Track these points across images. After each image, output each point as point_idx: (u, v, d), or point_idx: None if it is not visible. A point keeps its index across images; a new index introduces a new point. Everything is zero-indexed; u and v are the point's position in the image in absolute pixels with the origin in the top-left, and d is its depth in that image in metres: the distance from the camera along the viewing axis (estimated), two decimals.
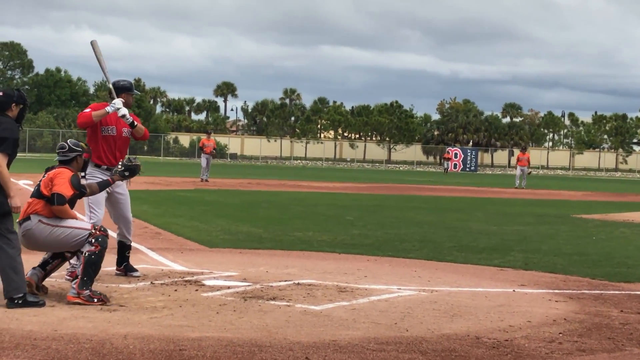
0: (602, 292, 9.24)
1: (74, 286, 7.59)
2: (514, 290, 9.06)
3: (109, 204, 9.38)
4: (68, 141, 8.12)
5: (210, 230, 14.62)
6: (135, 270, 9.44)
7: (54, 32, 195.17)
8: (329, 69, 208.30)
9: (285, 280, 9.14)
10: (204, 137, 34.76)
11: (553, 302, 8.38)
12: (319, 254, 11.85)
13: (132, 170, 8.87)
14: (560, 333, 6.91)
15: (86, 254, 7.65)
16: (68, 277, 8.83)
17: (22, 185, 25.97)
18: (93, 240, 7.69)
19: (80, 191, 8.04)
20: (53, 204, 7.67)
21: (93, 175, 9.11)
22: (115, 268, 9.44)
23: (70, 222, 7.78)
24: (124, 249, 9.49)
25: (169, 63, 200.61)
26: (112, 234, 9.15)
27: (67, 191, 7.75)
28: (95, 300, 7.50)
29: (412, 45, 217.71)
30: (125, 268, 9.41)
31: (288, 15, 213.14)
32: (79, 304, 7.44)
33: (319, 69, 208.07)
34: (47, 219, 7.73)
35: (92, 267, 7.65)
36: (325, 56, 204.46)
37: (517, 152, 55.29)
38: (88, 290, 7.53)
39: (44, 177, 7.91)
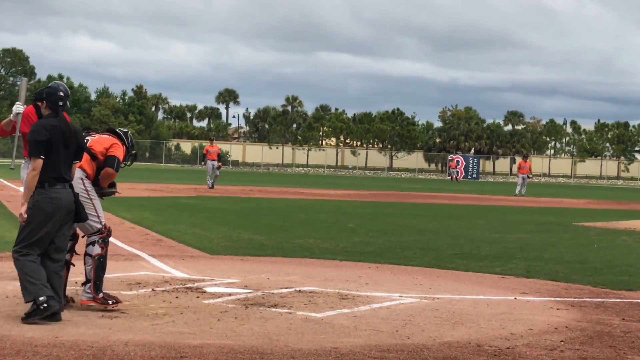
0: (603, 300, 9.23)
1: (88, 290, 7.57)
2: (515, 298, 9.05)
3: None
4: None
5: (211, 237, 14.61)
6: None
7: (51, 38, 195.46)
8: (327, 76, 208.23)
9: (287, 288, 9.14)
10: (206, 144, 34.66)
11: (555, 310, 8.37)
12: (321, 261, 11.84)
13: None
14: (561, 341, 6.90)
15: (96, 258, 7.64)
16: None
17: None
18: (100, 241, 7.66)
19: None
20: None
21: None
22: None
23: (97, 204, 7.76)
24: None
25: (167, 69, 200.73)
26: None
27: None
28: (110, 302, 7.52)
29: (409, 52, 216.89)
30: None
31: (284, 21, 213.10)
32: (94, 306, 7.46)
33: (317, 75, 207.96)
34: (87, 181, 7.76)
35: (102, 270, 7.68)
36: (322, 63, 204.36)
37: (518, 159, 55.29)
38: (102, 293, 7.57)
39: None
